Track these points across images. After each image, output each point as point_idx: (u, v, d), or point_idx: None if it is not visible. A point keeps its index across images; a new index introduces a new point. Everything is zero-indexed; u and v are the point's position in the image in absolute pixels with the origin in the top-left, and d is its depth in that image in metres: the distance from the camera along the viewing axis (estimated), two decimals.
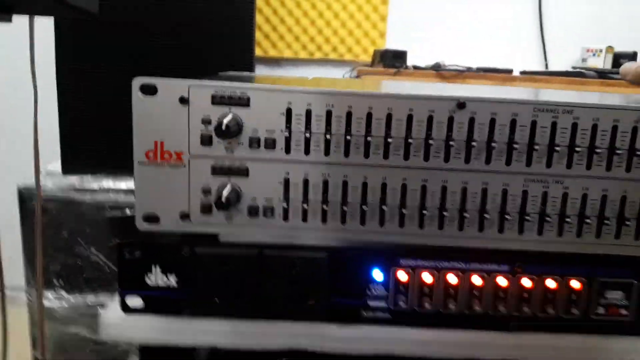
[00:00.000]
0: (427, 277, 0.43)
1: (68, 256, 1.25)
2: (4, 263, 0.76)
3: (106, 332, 0.42)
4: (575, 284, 0.43)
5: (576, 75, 1.65)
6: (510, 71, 1.68)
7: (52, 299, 1.32)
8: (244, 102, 0.40)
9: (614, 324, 0.43)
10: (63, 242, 1.29)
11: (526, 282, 0.43)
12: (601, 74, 1.66)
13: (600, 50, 2.10)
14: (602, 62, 2.10)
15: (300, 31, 2.14)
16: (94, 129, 1.14)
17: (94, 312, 1.31)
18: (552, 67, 2.15)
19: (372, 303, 0.43)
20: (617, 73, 1.73)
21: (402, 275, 0.43)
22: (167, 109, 0.40)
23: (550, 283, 0.43)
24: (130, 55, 1.26)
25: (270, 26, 2.12)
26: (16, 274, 1.18)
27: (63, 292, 1.32)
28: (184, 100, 0.40)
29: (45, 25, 1.07)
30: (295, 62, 2.16)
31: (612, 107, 0.41)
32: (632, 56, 2.11)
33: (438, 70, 1.57)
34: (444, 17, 2.19)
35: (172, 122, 0.40)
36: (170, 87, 0.40)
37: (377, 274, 0.43)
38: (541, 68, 2.16)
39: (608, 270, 0.43)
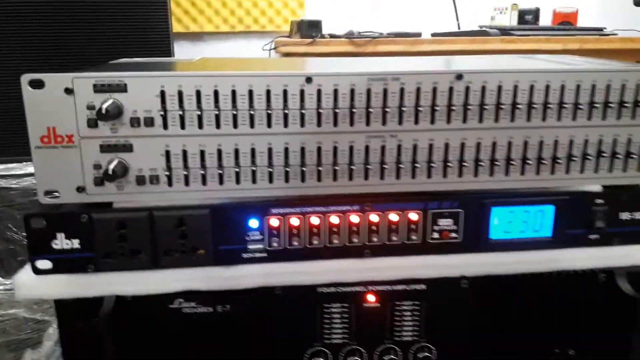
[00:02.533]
0: (294, 221, 0.52)
1: (0, 242, 1.28)
2: None
3: (21, 293, 0.50)
4: (413, 216, 0.53)
5: (480, 34, 1.76)
6: (419, 34, 1.78)
7: None
8: (122, 88, 0.47)
9: (447, 245, 0.54)
10: None
11: (374, 218, 0.53)
12: (504, 32, 1.79)
13: (506, 8, 2.23)
14: (508, 19, 2.24)
15: (220, 5, 2.16)
16: (13, 118, 1.17)
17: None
18: (465, 27, 2.27)
19: (251, 246, 0.52)
20: (520, 30, 1.86)
21: (274, 222, 0.52)
22: (56, 98, 0.47)
23: (393, 217, 0.53)
24: (46, 44, 1.28)
25: (189, 1, 2.14)
26: None
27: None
28: (69, 91, 0.47)
29: None
30: (217, 35, 2.19)
31: (430, 73, 0.50)
32: (535, 12, 2.26)
33: (350, 38, 1.65)
34: None
35: (61, 110, 0.47)
36: (55, 80, 0.47)
37: (253, 223, 0.52)
38: (454, 29, 2.28)
39: (439, 204, 0.54)
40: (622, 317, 0.57)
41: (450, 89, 0.51)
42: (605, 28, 1.93)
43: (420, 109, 0.51)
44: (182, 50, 2.17)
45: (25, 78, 0.46)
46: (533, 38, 1.70)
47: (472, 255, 0.55)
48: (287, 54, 1.69)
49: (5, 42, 1.19)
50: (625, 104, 0.52)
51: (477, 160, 0.53)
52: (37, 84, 0.46)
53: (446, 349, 0.57)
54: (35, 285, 0.50)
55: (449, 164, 0.52)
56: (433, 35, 1.90)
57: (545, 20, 2.26)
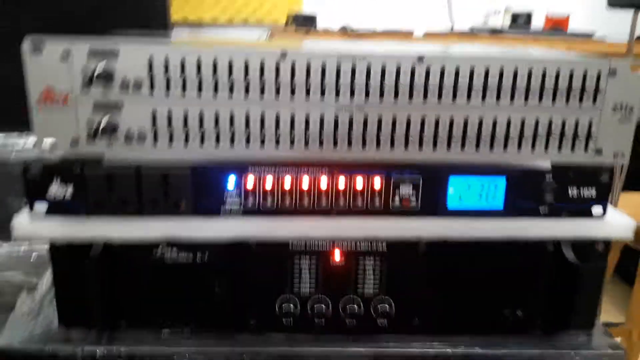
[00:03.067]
0: (268, 182, 0.58)
1: (1, 210, 1.33)
2: None
3: (18, 234, 0.55)
4: (377, 182, 0.59)
5: (469, 35, 1.82)
6: (411, 33, 1.84)
7: None
8: (115, 54, 0.53)
9: (407, 210, 0.60)
10: None
11: (341, 183, 0.58)
12: (493, 32, 1.85)
13: (499, 11, 2.29)
14: (501, 21, 2.30)
15: None
16: (14, 91, 1.21)
17: (27, 258, 1.41)
18: (459, 28, 2.33)
19: (228, 203, 0.58)
20: (510, 31, 1.92)
21: (250, 181, 0.57)
22: (54, 61, 0.52)
23: (359, 182, 0.58)
24: (43, 21, 1.32)
25: None
26: None
27: None
28: (66, 54, 0.52)
29: None
30: (215, 26, 2.25)
31: (395, 55, 0.55)
32: (527, 15, 2.32)
33: (344, 32, 1.70)
34: None
35: (58, 72, 0.52)
36: (54, 44, 0.52)
37: (231, 181, 0.57)
38: (448, 29, 2.33)
39: (400, 172, 0.59)
40: (566, 283, 0.62)
41: (413, 70, 0.56)
42: (594, 34, 1.99)
43: (384, 86, 0.56)
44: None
45: (27, 41, 0.51)
46: (520, 38, 1.76)
47: (429, 220, 0.60)
48: None
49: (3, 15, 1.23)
50: (572, 90, 0.57)
51: (436, 134, 0.58)
52: (37, 47, 0.51)
53: (403, 304, 0.62)
54: (32, 226, 0.55)
55: (410, 137, 0.58)
56: (425, 34, 1.96)
57: (537, 24, 2.32)
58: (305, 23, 1.77)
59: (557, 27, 2.30)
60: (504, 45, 1.74)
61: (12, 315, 0.63)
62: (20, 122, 1.22)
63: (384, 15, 2.29)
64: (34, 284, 0.80)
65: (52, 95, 0.53)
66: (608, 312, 2.04)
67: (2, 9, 1.24)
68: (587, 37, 1.95)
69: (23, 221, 0.55)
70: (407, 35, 1.76)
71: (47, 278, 0.67)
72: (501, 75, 0.57)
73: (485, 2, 2.35)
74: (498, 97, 0.57)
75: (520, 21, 2.32)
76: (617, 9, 1.08)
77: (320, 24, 1.88)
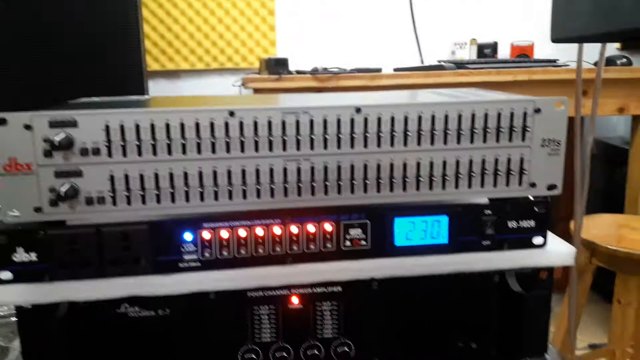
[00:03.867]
0: (224, 234, 0.61)
1: None
2: None
3: None
4: (327, 227, 0.62)
5: (437, 68, 1.89)
6: (379, 70, 1.90)
7: None
8: (73, 124, 0.57)
9: (358, 251, 0.63)
10: None
11: (294, 229, 0.62)
12: (459, 66, 1.92)
13: (465, 43, 2.38)
14: (467, 53, 2.38)
15: (195, 44, 2.29)
16: None
17: (5, 322, 1.42)
18: (428, 61, 2.41)
19: (186, 257, 0.61)
20: (476, 63, 1.99)
21: (206, 234, 0.61)
22: (17, 133, 0.56)
23: (311, 228, 0.62)
24: (24, 83, 1.38)
25: (166, 42, 2.26)
26: None
27: None
28: (28, 127, 0.56)
29: None
30: (193, 73, 2.31)
31: (334, 107, 0.60)
32: (493, 46, 2.41)
33: (314, 74, 1.77)
34: (328, 25, 2.40)
35: (21, 142, 0.56)
36: (17, 118, 0.56)
37: (188, 236, 0.61)
38: (418, 63, 2.41)
39: (349, 216, 0.63)
40: (513, 311, 0.65)
41: (352, 120, 0.60)
42: (557, 60, 2.07)
43: (327, 136, 0.60)
44: (159, 88, 2.28)
45: None
46: (484, 71, 1.83)
47: (380, 260, 0.64)
48: (256, 90, 1.80)
49: None
50: (501, 129, 0.62)
51: (379, 178, 0.62)
52: (1, 122, 0.55)
53: (362, 344, 0.65)
54: None
55: (354, 181, 0.62)
56: (395, 70, 2.03)
57: (503, 53, 2.41)
58: (277, 66, 1.83)
59: (523, 54, 2.39)
60: (469, 79, 1.81)
61: None
62: None
63: (355, 53, 2.36)
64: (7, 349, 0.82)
65: (15, 165, 0.57)
66: (593, 333, 2.07)
67: None
68: (551, 64, 2.03)
69: None
70: (375, 74, 1.82)
71: (16, 346, 0.69)
72: (433, 119, 0.62)
73: (452, 35, 2.44)
74: (432, 140, 0.62)
75: (487, 51, 2.41)
76: (561, 43, 1.14)
77: (293, 66, 1.94)
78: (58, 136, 0.56)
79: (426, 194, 0.63)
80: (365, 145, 0.61)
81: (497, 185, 0.64)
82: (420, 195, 0.63)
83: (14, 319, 1.12)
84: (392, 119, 0.61)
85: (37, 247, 0.58)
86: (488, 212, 0.64)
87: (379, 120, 0.61)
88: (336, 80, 1.78)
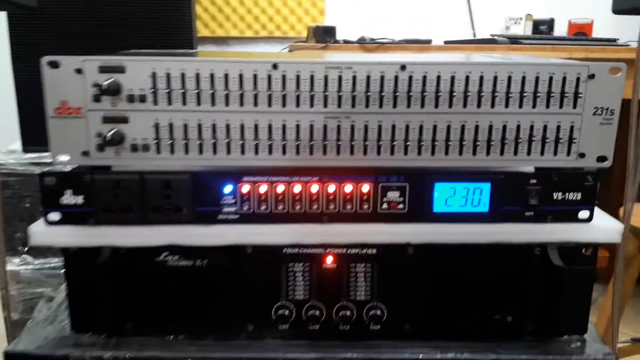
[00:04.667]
0: (263, 188, 0.61)
1: (31, 224, 1.41)
2: None
3: (35, 240, 0.60)
4: (365, 187, 0.62)
5: (489, 42, 1.83)
6: (429, 41, 1.86)
7: (18, 264, 1.49)
8: (121, 69, 0.58)
9: (395, 215, 0.63)
10: (26, 212, 1.46)
11: (331, 188, 0.62)
12: (513, 40, 1.85)
13: (520, 18, 2.29)
14: (522, 29, 2.29)
15: (245, 11, 2.29)
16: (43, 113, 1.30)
17: (57, 273, 1.49)
18: (479, 36, 2.34)
19: (225, 209, 0.62)
20: (530, 39, 1.92)
21: (245, 188, 0.61)
22: (68, 77, 0.58)
23: (348, 188, 0.62)
24: (78, 45, 1.42)
25: (216, 8, 2.27)
26: None
27: (28, 257, 1.49)
28: (79, 71, 0.57)
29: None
30: (242, 40, 2.32)
31: (378, 63, 0.59)
32: (549, 22, 2.30)
33: (362, 44, 1.74)
34: None
35: (72, 86, 0.58)
36: (69, 61, 0.57)
37: (228, 188, 0.61)
38: (469, 37, 2.34)
39: (387, 178, 0.62)
40: (553, 286, 0.63)
41: (396, 78, 0.59)
42: (618, 39, 1.96)
43: (369, 94, 0.59)
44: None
45: (45, 59, 0.57)
46: (539, 47, 1.76)
47: (417, 225, 0.63)
48: None
49: (42, 42, 1.33)
50: (552, 94, 0.60)
51: (420, 140, 0.61)
52: (54, 65, 0.57)
53: (394, 309, 0.65)
54: (47, 234, 0.61)
55: (394, 143, 0.61)
56: (445, 42, 1.97)
57: (560, 30, 2.30)
58: (324, 35, 1.81)
59: (581, 33, 2.28)
60: (523, 54, 1.75)
61: (30, 323, 0.68)
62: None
63: (404, 24, 2.31)
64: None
65: (67, 109, 0.58)
66: (638, 327, 1.99)
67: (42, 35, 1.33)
68: (610, 43, 1.93)
69: (38, 230, 0.61)
70: (424, 45, 1.78)
71: (62, 287, 0.72)
72: (481, 80, 0.59)
73: (507, 9, 2.35)
74: (479, 102, 0.60)
75: (543, 28, 2.31)
76: (624, 14, 1.08)
77: (340, 35, 1.92)
78: (107, 81, 0.57)
79: (469, 160, 0.62)
80: (409, 105, 0.60)
81: (544, 154, 0.62)
82: (462, 160, 0.61)
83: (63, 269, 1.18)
84: (438, 78, 0.59)
85: (84, 190, 0.60)
86: (533, 181, 0.62)
87: (424, 79, 0.59)
88: (383, 50, 1.75)
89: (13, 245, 1.48)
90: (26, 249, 1.51)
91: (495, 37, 1.91)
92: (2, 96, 1.33)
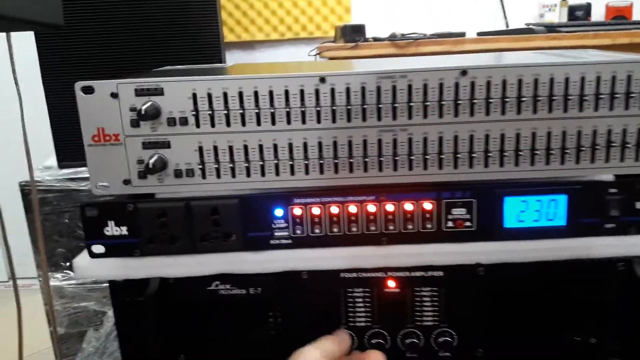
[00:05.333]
0: (315, 210, 0.57)
1: (71, 239, 1.41)
2: (19, 258, 0.91)
3: (79, 274, 0.57)
4: (427, 205, 0.57)
5: (525, 32, 1.75)
6: (463, 34, 1.79)
7: (60, 279, 1.48)
8: (159, 92, 0.54)
9: (461, 233, 0.57)
10: (65, 227, 1.45)
11: (390, 207, 0.57)
12: (550, 29, 1.76)
13: (555, 5, 2.19)
14: (557, 16, 2.20)
15: (270, 14, 2.25)
16: (80, 125, 1.28)
17: (99, 287, 1.48)
18: (512, 25, 2.25)
19: (277, 233, 0.57)
20: (568, 26, 1.83)
21: (297, 210, 0.57)
22: (103, 102, 0.54)
23: (408, 206, 0.57)
24: (106, 59, 1.40)
25: (241, 12, 2.24)
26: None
27: (70, 272, 1.48)
28: (114, 95, 0.54)
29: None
30: (268, 43, 2.28)
31: (436, 70, 0.54)
32: (586, 7, 2.20)
33: (393, 40, 1.68)
34: None
35: (108, 112, 0.54)
36: (103, 86, 0.54)
37: (278, 212, 0.57)
38: (502, 27, 2.26)
39: (451, 193, 0.57)
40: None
41: (456, 84, 0.54)
42: None
43: (427, 103, 0.54)
44: (234, 59, 2.27)
45: (78, 85, 0.53)
46: (580, 34, 1.67)
47: (486, 244, 0.57)
48: (331, 59, 1.74)
49: (70, 58, 1.31)
50: (632, 94, 0.54)
51: (487, 151, 0.55)
52: (88, 90, 0.54)
53: (465, 334, 0.60)
54: (91, 267, 0.57)
55: (458, 155, 0.56)
56: (479, 34, 1.90)
57: (597, 15, 2.20)
58: (353, 34, 1.76)
59: (620, 16, 2.17)
60: (562, 43, 1.66)
61: (80, 355, 0.65)
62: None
63: (433, 18, 2.24)
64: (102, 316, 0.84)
65: (104, 136, 0.55)
66: None
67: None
68: None
69: (83, 263, 0.57)
70: (458, 39, 1.71)
71: (109, 314, 0.70)
72: (552, 82, 0.54)
73: None
74: (550, 107, 0.54)
75: (579, 13, 2.21)
76: None
77: (370, 32, 1.86)
78: (145, 105, 0.53)
79: (541, 170, 0.56)
80: (472, 114, 0.55)
81: (625, 160, 0.56)
82: (534, 171, 0.56)
83: (106, 284, 1.16)
84: (504, 83, 0.54)
85: (127, 221, 0.56)
86: (613, 190, 0.56)
87: (488, 84, 0.54)
88: (416, 46, 1.68)
89: (55, 260, 1.48)
90: (68, 263, 1.50)
91: (532, 27, 1.83)
92: (35, 113, 1.32)
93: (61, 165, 1.45)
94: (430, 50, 1.68)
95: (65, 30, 1.31)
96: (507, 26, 2.26)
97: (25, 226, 1.36)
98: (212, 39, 1.59)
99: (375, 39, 1.77)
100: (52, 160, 1.46)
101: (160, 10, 1.50)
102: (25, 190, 1.37)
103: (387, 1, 2.25)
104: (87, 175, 0.53)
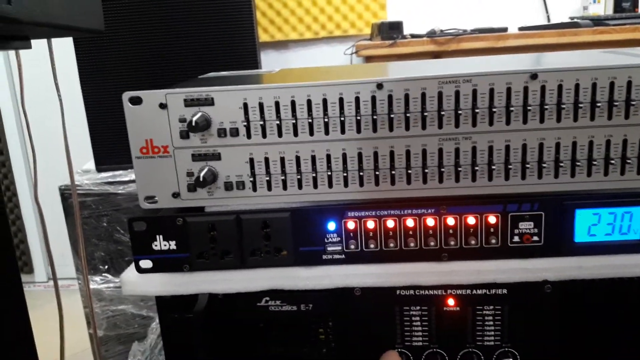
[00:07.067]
0: (370, 224, 0.54)
1: (110, 243, 1.41)
2: (58, 259, 0.91)
3: (127, 289, 0.56)
4: (491, 219, 0.53)
5: (570, 26, 1.68)
6: (505, 29, 1.73)
7: (99, 282, 1.49)
8: (209, 102, 0.52)
9: (528, 248, 0.54)
10: (104, 231, 1.46)
11: (450, 221, 0.53)
12: (596, 22, 1.69)
13: None
14: (602, 8, 2.10)
15: (303, 13, 2.22)
16: (118, 129, 1.28)
17: None
18: (554, 19, 2.17)
19: (329, 248, 0.55)
20: (616, 19, 1.75)
21: (351, 224, 0.54)
22: (152, 113, 0.52)
23: (471, 220, 0.53)
24: (142, 60, 1.39)
25: (274, 11, 2.22)
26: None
27: (109, 275, 1.49)
28: (163, 106, 0.52)
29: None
30: (302, 42, 2.26)
31: (503, 73, 0.50)
32: None
33: (432, 37, 1.63)
34: None
35: (156, 123, 0.52)
36: (151, 96, 0.52)
37: (331, 225, 0.54)
38: (544, 21, 2.18)
39: (518, 206, 0.53)
40: None
41: (525, 89, 0.50)
42: None
43: (494, 109, 0.50)
44: (269, 59, 2.25)
45: (126, 95, 0.52)
46: (628, 27, 1.60)
47: (555, 260, 0.53)
48: (368, 57, 1.71)
49: (107, 63, 1.31)
50: None
51: (557, 160, 0.51)
52: (135, 101, 0.52)
53: (530, 356, 0.56)
54: (139, 282, 0.56)
55: (527, 165, 0.52)
56: (520, 29, 1.83)
57: None
58: (390, 31, 1.72)
59: None
60: (611, 37, 1.59)
61: None
62: (124, 159, 1.28)
63: (470, 13, 2.18)
64: (144, 317, 0.82)
65: (152, 148, 0.53)
66: None
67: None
68: None
69: (130, 279, 0.56)
70: (500, 34, 1.65)
71: (153, 326, 0.68)
72: (629, 86, 0.49)
73: None
74: (627, 113, 0.50)
75: (626, 5, 2.11)
76: None
77: (407, 29, 1.81)
78: (195, 116, 0.51)
79: (615, 180, 0.52)
80: (542, 120, 0.51)
81: None
82: (608, 182, 0.52)
83: None
84: (577, 87, 0.50)
85: (176, 235, 0.54)
86: None
87: (560, 88, 0.50)
88: (456, 42, 1.63)
89: (95, 264, 1.49)
90: (106, 267, 1.51)
91: (577, 20, 1.75)
92: (73, 118, 1.33)
93: (99, 169, 1.45)
94: (471, 46, 1.63)
95: (102, 36, 1.31)
96: (549, 20, 2.17)
97: (63, 227, 1.37)
98: (247, 41, 1.57)
99: (413, 36, 1.73)
100: (90, 164, 1.47)
101: (196, 15, 1.49)
102: (65, 194, 1.38)
103: None
104: (125, 179, 0.52)
